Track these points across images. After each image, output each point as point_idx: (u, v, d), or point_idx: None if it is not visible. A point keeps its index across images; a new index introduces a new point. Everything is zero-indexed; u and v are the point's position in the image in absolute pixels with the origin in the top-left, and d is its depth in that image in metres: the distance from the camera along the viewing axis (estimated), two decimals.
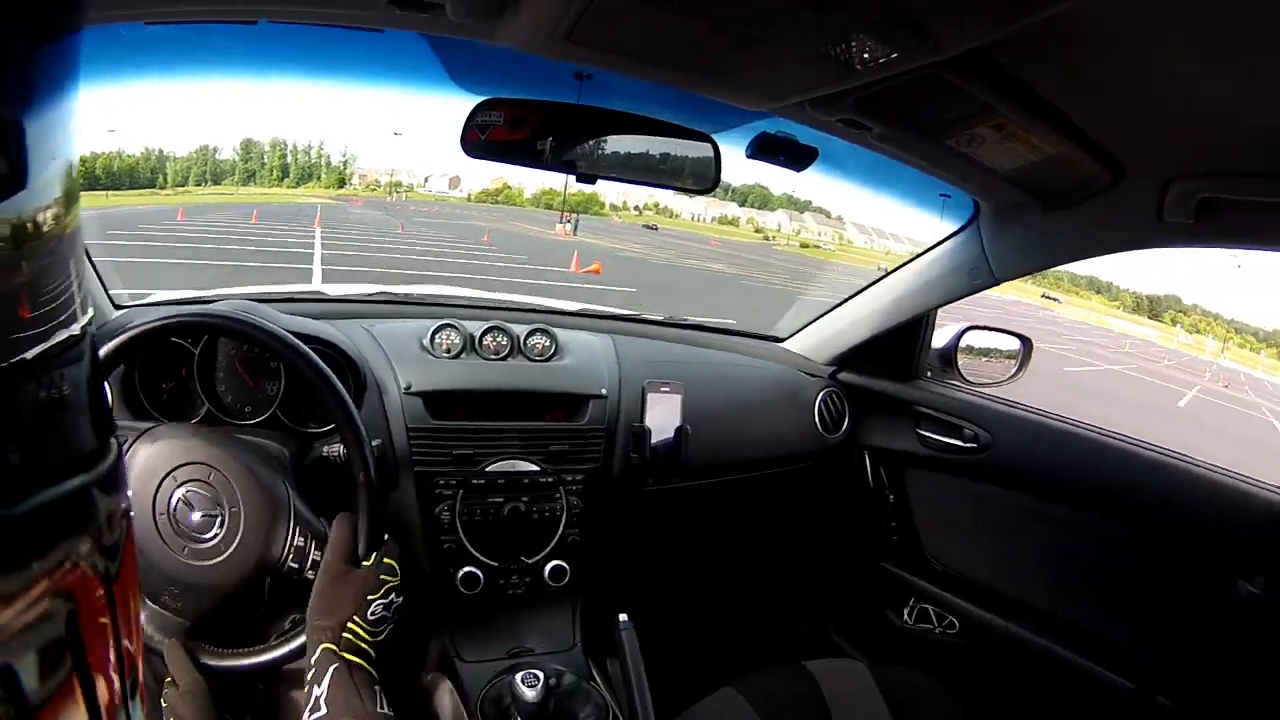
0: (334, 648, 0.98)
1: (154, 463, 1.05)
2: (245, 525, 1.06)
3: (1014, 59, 1.09)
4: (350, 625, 1.00)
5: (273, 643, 1.11)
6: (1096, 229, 1.62)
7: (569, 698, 1.49)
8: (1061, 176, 1.48)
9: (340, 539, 1.08)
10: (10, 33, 0.27)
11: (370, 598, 1.03)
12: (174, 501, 1.03)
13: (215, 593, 1.07)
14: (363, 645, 1.01)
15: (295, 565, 1.09)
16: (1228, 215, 1.37)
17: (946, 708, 1.62)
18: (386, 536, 1.12)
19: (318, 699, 0.94)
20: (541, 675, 1.36)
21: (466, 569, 1.61)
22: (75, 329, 0.31)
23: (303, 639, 1.05)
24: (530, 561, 1.66)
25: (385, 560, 1.09)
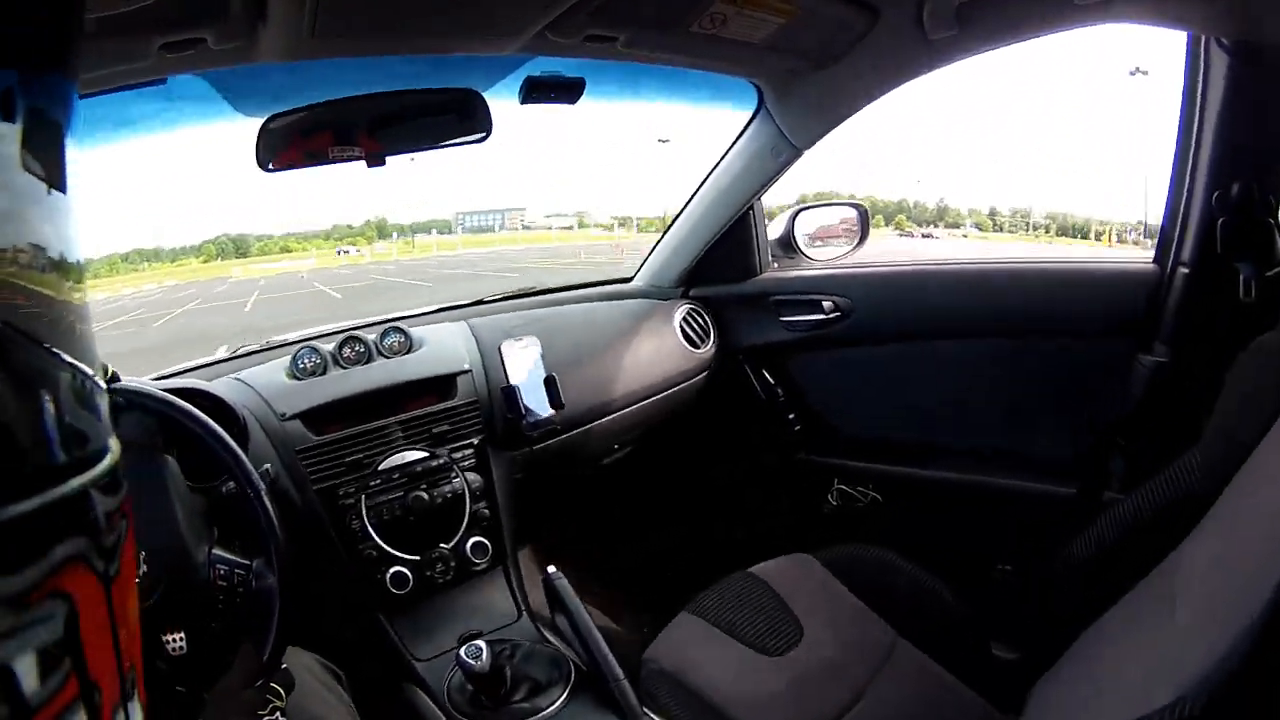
0: None
1: None
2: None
3: None
4: None
5: None
6: (872, 70, 1.67)
7: (526, 664, 1.51)
8: (819, 31, 1.52)
9: (240, 662, 1.10)
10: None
11: (260, 713, 1.08)
12: None
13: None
14: None
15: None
16: (989, 13, 1.42)
17: (901, 568, 1.66)
18: (285, 665, 1.15)
19: None
20: (483, 644, 1.36)
21: (393, 569, 1.63)
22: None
23: None
24: (449, 546, 1.68)
25: (273, 685, 1.12)
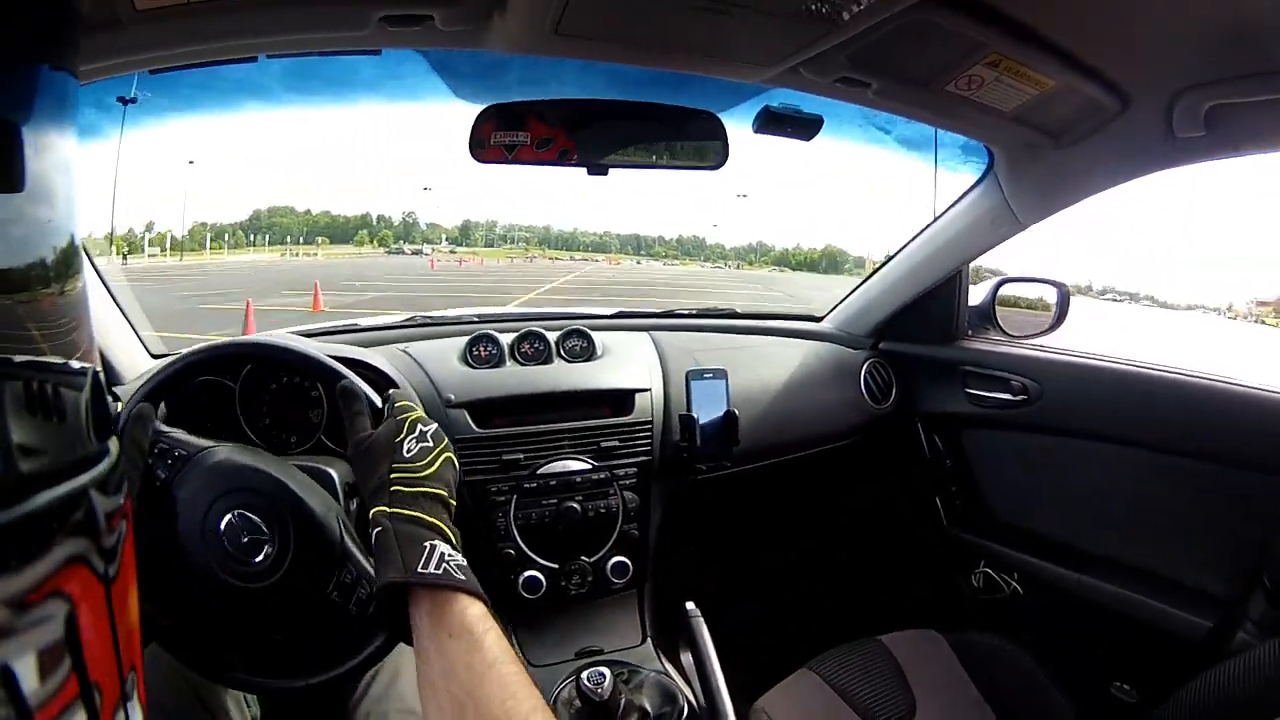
0: (384, 509, 0.89)
1: (206, 483, 1.03)
2: (293, 554, 1.02)
3: None
4: (392, 476, 0.93)
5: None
6: (1112, 158, 1.60)
7: (640, 692, 1.48)
8: (1067, 109, 1.47)
9: (349, 412, 1.05)
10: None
11: (398, 439, 0.97)
12: (223, 524, 1.01)
13: (260, 615, 1.05)
14: (417, 489, 0.92)
15: (339, 600, 1.04)
16: (1238, 120, 1.36)
17: (1023, 666, 1.63)
18: (390, 389, 1.09)
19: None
20: (608, 672, 1.32)
21: (528, 573, 1.61)
22: (75, 363, 0.33)
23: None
24: (591, 560, 1.66)
25: (398, 405, 1.04)
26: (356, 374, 1.15)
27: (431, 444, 0.98)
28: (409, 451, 0.96)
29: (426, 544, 0.86)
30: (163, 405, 1.13)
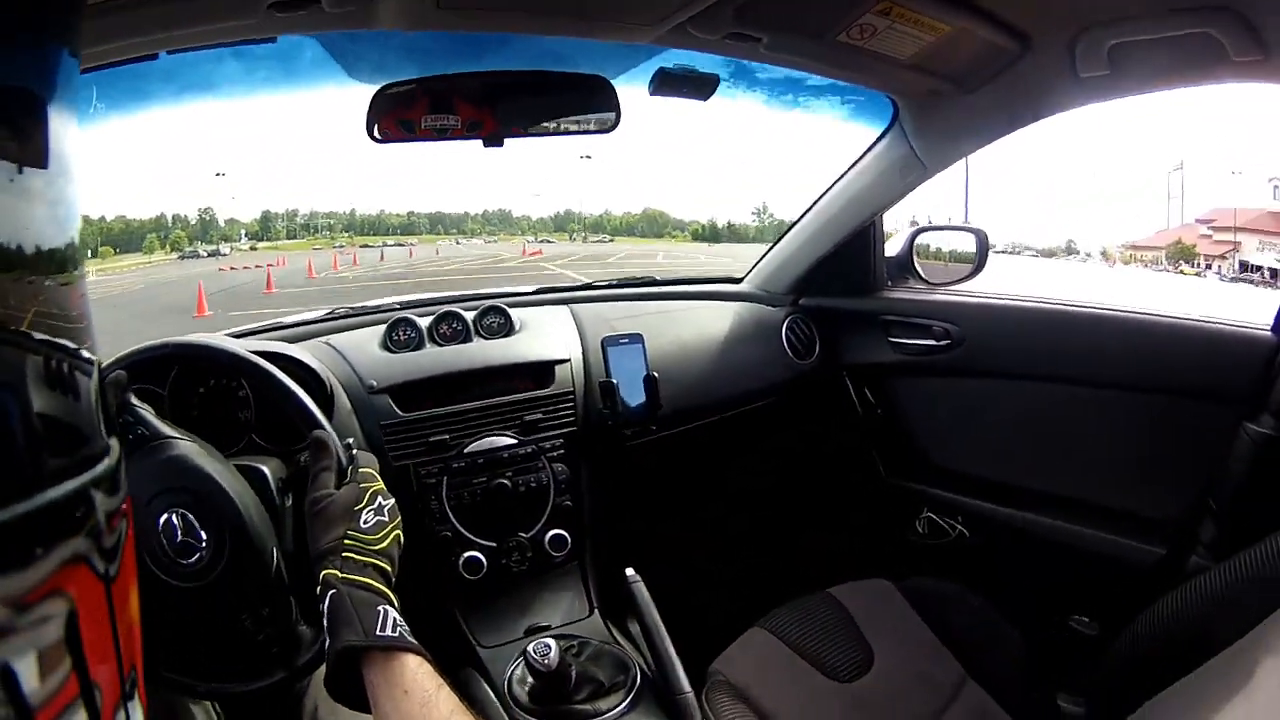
0: (335, 573, 0.92)
1: (158, 473, 1.03)
2: (223, 567, 1.02)
3: None
4: (346, 543, 0.95)
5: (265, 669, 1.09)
6: (1018, 100, 1.62)
7: (592, 663, 1.48)
8: (967, 54, 1.48)
9: (316, 465, 1.06)
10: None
11: (357, 508, 0.99)
12: (162, 520, 1.00)
13: (197, 619, 1.04)
14: (367, 559, 0.95)
15: (250, 628, 1.05)
16: (1141, 58, 1.37)
17: (977, 607, 1.64)
18: (355, 450, 1.10)
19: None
20: (553, 644, 1.32)
21: (467, 554, 1.61)
22: (84, 353, 0.33)
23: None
24: (528, 536, 1.66)
25: (361, 470, 1.06)
26: (283, 369, 1.16)
27: (387, 519, 1.02)
28: (365, 523, 0.99)
29: (380, 609, 0.90)
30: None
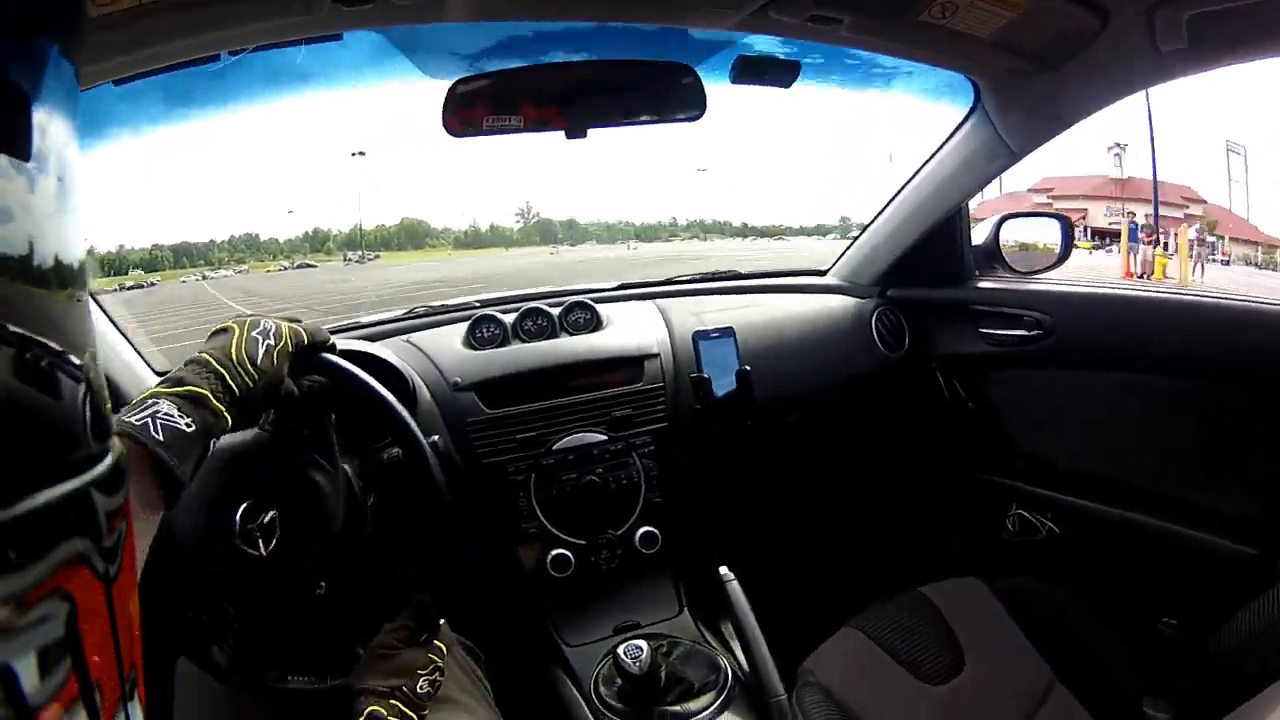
0: (382, 711, 0.98)
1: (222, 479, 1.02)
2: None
3: None
4: (401, 693, 1.01)
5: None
6: (1099, 78, 1.58)
7: (682, 664, 1.48)
8: (1047, 31, 1.45)
9: (405, 620, 1.09)
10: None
11: (419, 672, 1.04)
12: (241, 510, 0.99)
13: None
14: (408, 716, 1.01)
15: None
16: (1221, 29, 1.32)
17: (1067, 608, 1.59)
18: (443, 622, 1.12)
19: None
20: (645, 645, 1.33)
21: (555, 552, 1.61)
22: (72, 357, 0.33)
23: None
24: (618, 533, 1.65)
25: (436, 643, 1.09)
26: (363, 366, 1.13)
27: (428, 699, 1.05)
28: (421, 690, 1.03)
29: None
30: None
